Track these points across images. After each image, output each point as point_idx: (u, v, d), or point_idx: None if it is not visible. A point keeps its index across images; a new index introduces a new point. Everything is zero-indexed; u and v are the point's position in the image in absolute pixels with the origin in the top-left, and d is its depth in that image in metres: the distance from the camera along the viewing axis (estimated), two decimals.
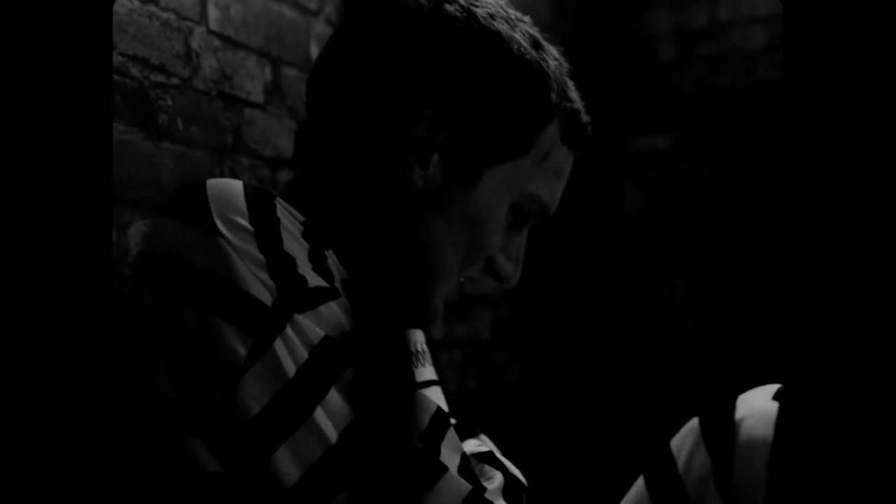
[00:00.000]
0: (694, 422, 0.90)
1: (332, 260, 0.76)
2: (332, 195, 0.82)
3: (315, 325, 0.68)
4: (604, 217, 2.63)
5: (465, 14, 0.80)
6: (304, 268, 0.70)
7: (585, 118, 0.87)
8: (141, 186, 1.19)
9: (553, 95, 0.82)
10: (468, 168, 0.80)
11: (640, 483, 0.92)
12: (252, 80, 1.40)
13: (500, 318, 2.07)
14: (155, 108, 1.22)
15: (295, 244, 0.71)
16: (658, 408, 2.61)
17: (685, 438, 0.90)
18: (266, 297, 0.67)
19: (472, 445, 1.01)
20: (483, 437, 1.04)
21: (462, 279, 0.85)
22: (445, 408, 0.94)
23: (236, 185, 0.72)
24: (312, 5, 1.54)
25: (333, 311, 0.70)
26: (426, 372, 0.94)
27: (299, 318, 0.67)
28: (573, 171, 0.87)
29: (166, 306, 0.67)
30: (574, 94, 0.86)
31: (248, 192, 0.72)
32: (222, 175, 1.33)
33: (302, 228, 0.74)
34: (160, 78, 1.23)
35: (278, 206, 0.73)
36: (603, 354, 2.61)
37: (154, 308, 0.68)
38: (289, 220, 0.73)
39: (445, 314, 1.81)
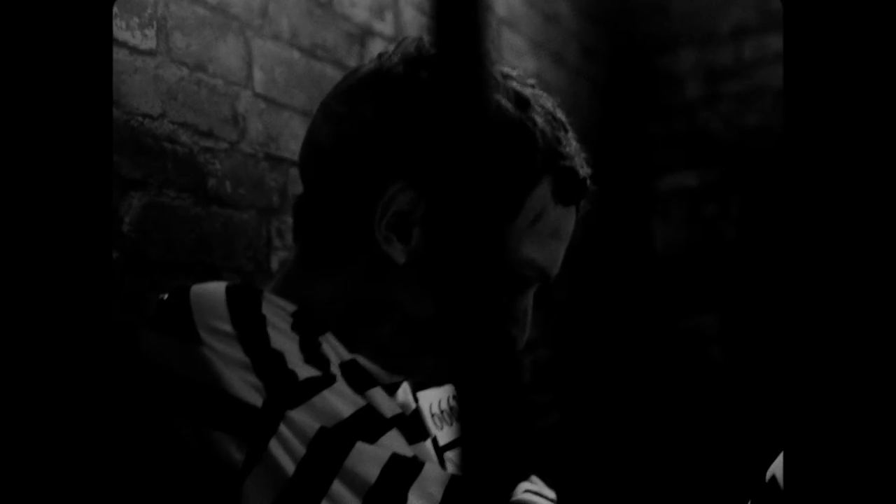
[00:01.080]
0: None
1: (328, 344, 0.75)
2: (319, 277, 0.81)
3: (309, 418, 0.67)
4: (635, 255, 2.64)
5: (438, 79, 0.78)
6: (295, 361, 0.69)
7: (583, 172, 0.82)
8: (192, 251, 1.21)
9: (539, 156, 0.78)
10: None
11: None
12: (297, 139, 1.42)
13: (538, 361, 2.08)
14: (204, 173, 1.25)
15: (283, 339, 0.71)
16: (693, 443, 2.59)
17: None
18: (256, 399, 0.66)
19: (521, 487, 1.01)
20: (535, 478, 1.04)
21: None
22: None
23: (218, 290, 0.72)
24: (353, 62, 1.57)
25: (327, 400, 0.68)
26: (454, 430, 0.91)
27: (292, 414, 0.66)
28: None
29: (161, 422, 0.68)
30: (569, 148, 0.81)
31: (231, 294, 0.72)
32: (268, 235, 1.35)
33: (291, 320, 0.73)
34: (209, 143, 1.25)
35: (264, 303, 0.73)
36: (638, 392, 2.60)
37: (150, 424, 0.69)
38: (276, 315, 0.72)
39: None
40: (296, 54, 1.42)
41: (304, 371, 0.69)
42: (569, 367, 2.22)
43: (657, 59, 2.70)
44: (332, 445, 0.67)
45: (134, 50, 1.05)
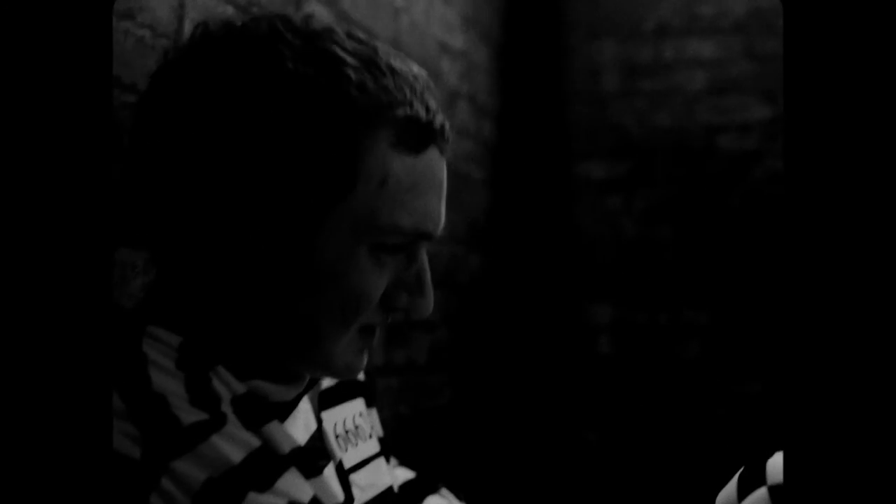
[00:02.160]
0: (762, 493, 0.80)
1: (218, 378, 0.70)
2: (205, 294, 0.74)
3: (195, 468, 0.61)
4: (544, 239, 2.66)
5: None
6: (178, 404, 0.64)
7: (426, 115, 0.74)
8: None
9: (358, 115, 0.70)
10: (295, 229, 0.71)
11: None
12: None
13: (436, 343, 2.07)
14: (124, 131, 1.17)
15: (166, 379, 0.65)
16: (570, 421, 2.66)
17: None
18: (133, 451, 0.61)
19: (432, 503, 1.00)
20: (444, 491, 1.03)
21: (374, 328, 0.77)
22: (388, 479, 0.89)
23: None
24: None
25: (215, 446, 0.63)
26: (361, 450, 0.87)
27: (175, 464, 0.61)
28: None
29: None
30: (401, 94, 0.72)
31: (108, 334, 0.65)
32: None
33: (176, 356, 0.68)
34: (131, 98, 1.17)
35: (145, 340, 0.68)
36: (526, 375, 2.64)
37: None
38: (157, 352, 0.67)
39: (385, 341, 1.77)
40: (230, 9, 1.34)
41: (189, 415, 0.64)
42: (466, 348, 2.23)
43: (581, 47, 2.70)
44: (220, 498, 0.61)
45: None
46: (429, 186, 0.75)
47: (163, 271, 0.77)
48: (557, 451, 2.65)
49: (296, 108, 0.69)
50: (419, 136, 0.74)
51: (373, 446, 0.90)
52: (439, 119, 0.75)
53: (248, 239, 0.71)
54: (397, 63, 0.74)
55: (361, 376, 0.95)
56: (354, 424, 0.89)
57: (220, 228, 0.70)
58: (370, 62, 0.72)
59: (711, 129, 2.57)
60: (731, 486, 0.81)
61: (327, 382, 0.88)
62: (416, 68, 0.76)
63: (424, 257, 0.78)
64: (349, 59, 0.71)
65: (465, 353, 2.23)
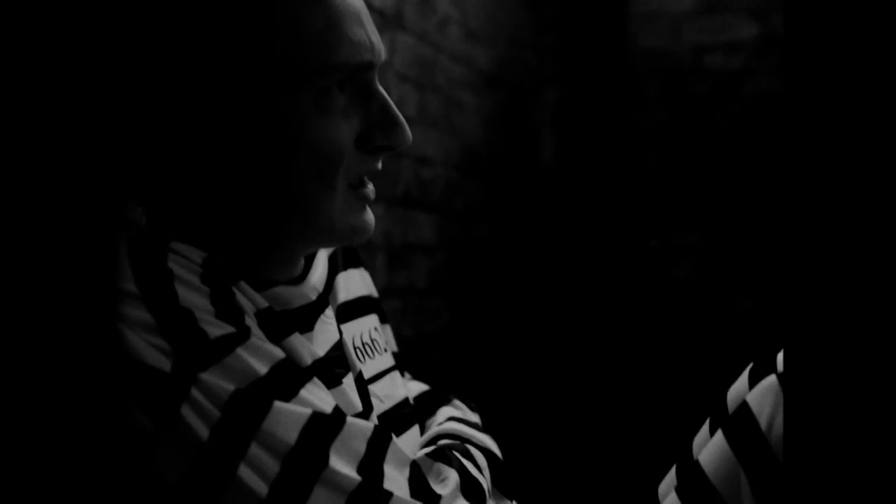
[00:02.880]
0: (771, 379, 0.83)
1: (241, 293, 0.72)
2: (221, 205, 0.76)
3: (223, 380, 0.64)
4: (524, 165, 2.67)
5: None
6: (205, 318, 0.66)
7: None
8: None
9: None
10: (248, 110, 0.72)
11: (719, 438, 0.86)
12: None
13: (435, 266, 2.10)
14: None
15: (192, 294, 0.67)
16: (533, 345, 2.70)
17: (764, 397, 0.83)
18: (164, 363, 0.63)
19: (444, 414, 1.02)
20: (457, 402, 1.05)
21: (362, 179, 0.78)
22: (404, 391, 0.91)
23: (120, 243, 0.68)
24: None
25: (241, 359, 0.65)
26: (378, 362, 0.89)
27: (204, 376, 0.63)
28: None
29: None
30: None
31: (133, 248, 0.68)
32: None
33: (200, 271, 0.70)
34: None
35: (170, 255, 0.69)
36: (520, 301, 2.67)
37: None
38: (183, 268, 0.69)
39: (388, 263, 1.76)
40: None
41: (216, 329, 0.66)
42: (462, 272, 2.26)
43: None
44: (248, 407, 0.64)
45: None
46: (342, 17, 0.73)
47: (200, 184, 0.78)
48: (550, 365, 2.70)
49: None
50: None
51: (388, 360, 0.92)
52: None
53: (219, 135, 0.72)
54: None
55: (375, 293, 0.97)
56: (371, 338, 0.90)
57: (193, 135, 0.72)
58: None
59: (699, 49, 2.57)
60: (742, 379, 0.84)
61: (343, 295, 0.90)
62: None
63: (380, 89, 0.77)
64: None
65: (461, 277, 2.26)
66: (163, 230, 0.76)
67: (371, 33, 0.75)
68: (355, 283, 0.93)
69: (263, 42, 0.71)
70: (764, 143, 2.50)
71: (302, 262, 0.83)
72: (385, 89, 0.79)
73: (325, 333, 0.83)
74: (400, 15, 1.81)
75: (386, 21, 1.74)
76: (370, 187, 0.79)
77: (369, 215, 0.79)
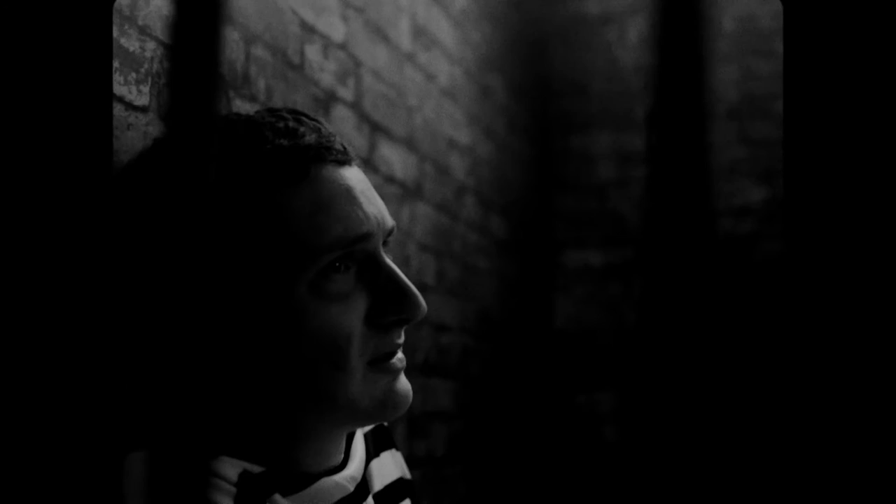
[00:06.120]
0: None
1: None
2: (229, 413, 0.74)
3: None
4: (535, 329, 2.68)
5: None
6: None
7: (290, 141, 0.72)
8: None
9: (236, 181, 0.70)
10: (251, 308, 0.71)
11: None
12: None
13: (453, 433, 2.07)
14: None
15: None
16: None
17: None
18: None
19: None
20: None
21: (385, 354, 0.75)
22: None
23: (137, 460, 0.68)
24: None
25: None
26: None
27: None
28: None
29: None
30: (269, 133, 0.72)
31: (155, 469, 0.68)
32: None
33: (235, 490, 0.68)
34: None
35: (211, 481, 0.67)
36: (533, 466, 2.63)
37: None
38: (218, 492, 0.67)
39: (406, 433, 1.74)
40: None
41: None
42: (478, 437, 2.23)
43: (574, 138, 2.78)
44: None
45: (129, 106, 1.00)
46: (331, 197, 0.72)
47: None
48: None
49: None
50: (295, 159, 0.71)
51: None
52: (313, 139, 0.73)
53: (233, 333, 0.72)
54: (270, 117, 0.74)
55: (408, 474, 0.95)
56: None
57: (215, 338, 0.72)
58: (243, 123, 0.74)
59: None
60: None
61: (379, 483, 0.88)
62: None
63: (387, 260, 0.75)
64: (233, 132, 0.73)
65: (477, 441, 2.23)
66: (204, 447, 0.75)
67: (365, 205, 0.74)
68: (388, 468, 0.91)
69: (254, 237, 0.71)
70: (774, 305, 2.51)
71: (342, 448, 0.82)
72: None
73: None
74: (419, 186, 1.86)
75: (407, 192, 1.78)
76: (396, 358, 0.76)
77: (401, 385, 0.77)
